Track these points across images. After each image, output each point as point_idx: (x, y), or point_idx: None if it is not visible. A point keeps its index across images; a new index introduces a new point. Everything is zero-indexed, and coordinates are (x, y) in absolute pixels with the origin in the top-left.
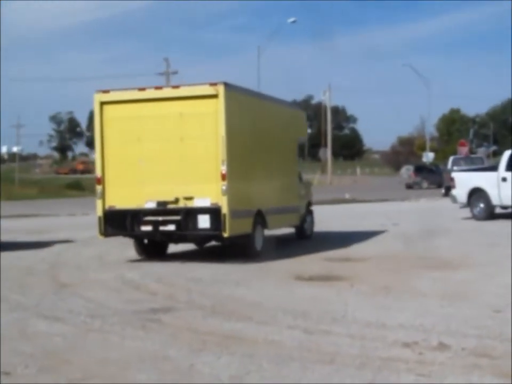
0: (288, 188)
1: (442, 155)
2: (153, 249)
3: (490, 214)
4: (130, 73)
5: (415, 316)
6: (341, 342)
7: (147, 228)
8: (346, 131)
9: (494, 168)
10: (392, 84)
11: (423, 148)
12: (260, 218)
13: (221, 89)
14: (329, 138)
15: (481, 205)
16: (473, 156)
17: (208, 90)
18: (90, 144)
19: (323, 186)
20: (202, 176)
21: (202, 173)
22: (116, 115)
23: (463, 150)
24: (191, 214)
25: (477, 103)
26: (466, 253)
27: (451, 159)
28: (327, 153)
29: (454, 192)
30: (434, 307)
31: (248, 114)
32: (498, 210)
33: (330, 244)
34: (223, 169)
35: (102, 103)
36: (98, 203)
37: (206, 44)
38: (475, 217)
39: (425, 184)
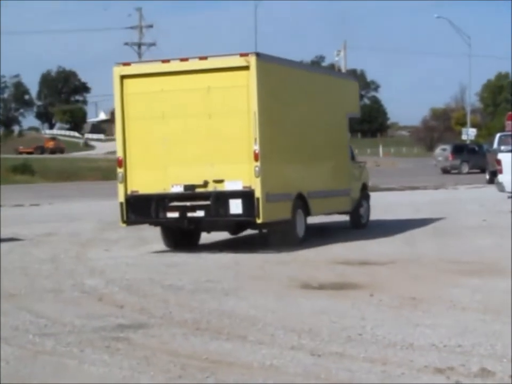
0: (336, 169)
1: (486, 132)
2: (183, 239)
3: None
4: (93, 27)
5: (451, 334)
6: (357, 367)
7: (173, 215)
8: (366, 101)
9: None
10: (423, 42)
11: (462, 123)
12: (301, 203)
13: (252, 60)
14: None
15: None
16: None
17: (238, 61)
18: (42, 116)
19: None
20: (233, 157)
21: (234, 153)
22: (137, 90)
23: None
24: (221, 198)
25: None
26: None
27: (497, 136)
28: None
29: (500, 178)
30: (474, 323)
31: (285, 87)
32: None
33: (345, 242)
34: (256, 148)
35: (123, 77)
36: (120, 188)
37: None
38: None
39: (465, 168)
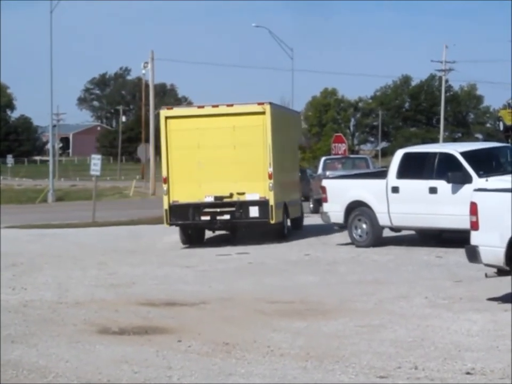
0: (295, 184)
1: (311, 155)
2: (194, 238)
3: (377, 238)
4: None
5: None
6: None
7: (206, 218)
8: None
9: (382, 173)
10: (240, 53)
11: None
12: (286, 209)
13: (267, 108)
14: (152, 129)
15: (364, 226)
16: (354, 156)
17: (257, 108)
18: None
19: (143, 199)
20: (251, 176)
21: (252, 173)
22: (178, 127)
23: (340, 148)
24: (243, 205)
25: (361, 82)
26: (341, 295)
27: (322, 160)
28: (149, 151)
29: (326, 207)
30: (294, 372)
31: (282, 125)
32: (387, 233)
33: (146, 281)
34: (270, 170)
35: (167, 118)
36: (165, 198)
37: None
38: (356, 242)
39: None
